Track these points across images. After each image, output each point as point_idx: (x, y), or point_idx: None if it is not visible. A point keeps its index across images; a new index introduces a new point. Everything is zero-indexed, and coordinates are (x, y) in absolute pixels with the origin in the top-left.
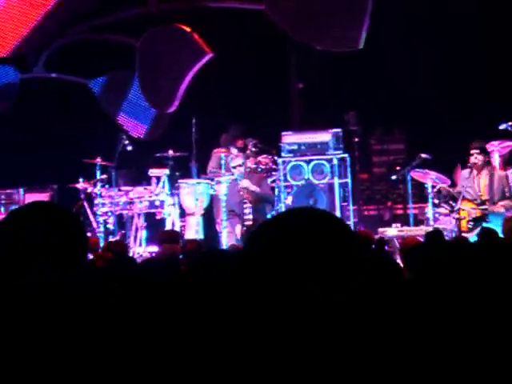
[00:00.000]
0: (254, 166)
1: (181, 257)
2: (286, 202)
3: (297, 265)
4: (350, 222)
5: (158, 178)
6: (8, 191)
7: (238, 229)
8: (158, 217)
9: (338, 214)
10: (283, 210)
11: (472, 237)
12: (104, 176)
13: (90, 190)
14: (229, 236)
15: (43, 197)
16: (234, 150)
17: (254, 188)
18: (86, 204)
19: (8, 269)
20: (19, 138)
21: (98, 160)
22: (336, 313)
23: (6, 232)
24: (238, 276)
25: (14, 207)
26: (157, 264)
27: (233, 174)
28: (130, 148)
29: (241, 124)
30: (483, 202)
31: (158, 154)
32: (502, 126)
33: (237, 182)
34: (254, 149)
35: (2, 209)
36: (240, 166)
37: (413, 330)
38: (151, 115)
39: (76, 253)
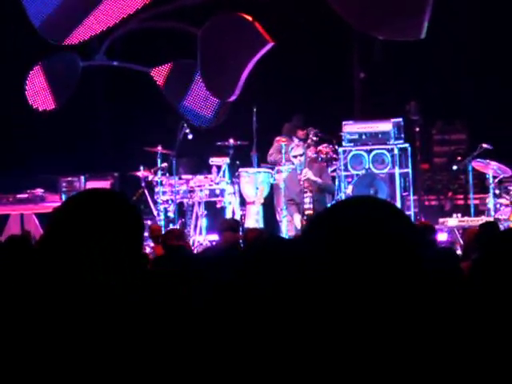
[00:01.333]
0: (314, 155)
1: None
2: (346, 191)
3: (356, 255)
4: (411, 212)
5: (219, 167)
6: (69, 179)
7: (298, 218)
8: (218, 205)
9: (398, 204)
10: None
11: None
12: (165, 164)
13: (150, 178)
14: (288, 225)
15: (104, 184)
16: (295, 140)
17: (315, 178)
18: (146, 192)
19: (64, 256)
20: (81, 126)
21: (159, 148)
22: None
23: (63, 218)
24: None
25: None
26: (218, 254)
27: (293, 164)
28: (190, 136)
29: (303, 114)
30: None
31: (218, 143)
32: None
33: (297, 172)
34: (314, 138)
35: (64, 196)
36: (300, 155)
37: (467, 327)
38: (218, 106)
39: (132, 240)
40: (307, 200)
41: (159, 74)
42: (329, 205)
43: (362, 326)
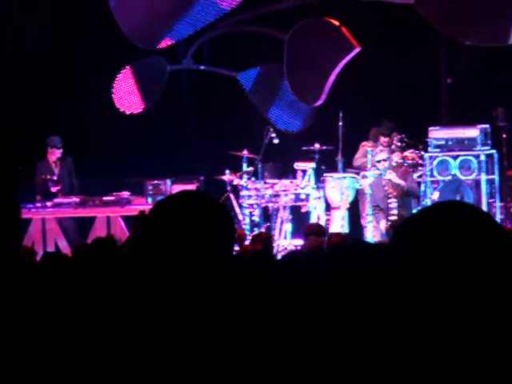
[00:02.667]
0: (400, 160)
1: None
2: (431, 197)
3: (447, 261)
4: (497, 219)
5: (304, 172)
6: (155, 182)
7: (383, 224)
8: (303, 210)
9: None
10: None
11: None
12: (250, 168)
13: (236, 182)
14: (374, 231)
15: (190, 188)
16: (380, 146)
17: (398, 181)
18: (231, 196)
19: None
20: (167, 130)
21: (245, 152)
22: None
23: (155, 221)
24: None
25: (161, 198)
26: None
27: (378, 169)
28: (276, 141)
29: (390, 122)
30: None
31: (304, 148)
32: None
33: (382, 177)
34: (398, 144)
35: (149, 199)
36: (384, 160)
37: None
38: (304, 110)
39: (225, 243)
40: (392, 205)
41: (246, 78)
42: (414, 210)
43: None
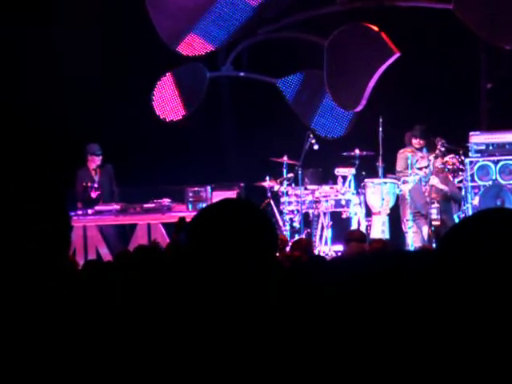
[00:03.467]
0: (441, 165)
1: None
2: (472, 202)
3: (495, 267)
4: None
5: (345, 177)
6: (196, 189)
7: (426, 230)
8: (343, 216)
9: None
10: (470, 210)
11: None
12: (290, 175)
13: (276, 188)
14: (414, 236)
15: (230, 194)
16: (422, 151)
17: (441, 186)
18: (272, 202)
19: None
20: (208, 137)
21: (285, 158)
22: None
23: (198, 229)
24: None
25: (201, 205)
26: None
27: (418, 174)
28: (316, 147)
29: (421, 124)
30: None
31: (344, 153)
32: None
33: (422, 183)
34: (442, 148)
35: (190, 206)
36: (426, 167)
37: None
38: (344, 116)
39: (268, 250)
40: (434, 211)
41: (286, 84)
42: (455, 216)
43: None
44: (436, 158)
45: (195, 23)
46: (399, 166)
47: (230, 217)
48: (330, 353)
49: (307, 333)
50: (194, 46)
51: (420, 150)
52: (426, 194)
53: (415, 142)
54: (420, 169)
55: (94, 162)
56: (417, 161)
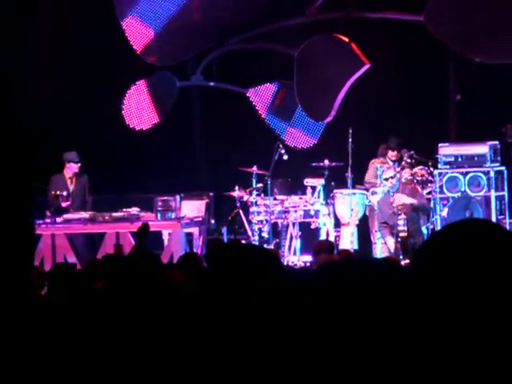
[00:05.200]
0: (409, 177)
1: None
2: (441, 214)
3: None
4: None
5: (314, 188)
6: (165, 198)
7: (390, 240)
8: (312, 226)
9: None
10: (438, 222)
11: None
12: (260, 185)
13: (245, 198)
14: (383, 247)
15: (199, 204)
16: (389, 161)
17: (409, 201)
18: (241, 212)
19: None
20: (177, 146)
21: (254, 168)
22: None
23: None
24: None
25: (170, 214)
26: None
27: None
28: (286, 157)
29: (397, 137)
30: None
31: (313, 164)
32: None
33: (389, 194)
34: (409, 160)
35: (159, 215)
36: (392, 177)
37: None
38: (320, 128)
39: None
40: (401, 222)
41: (256, 94)
42: (423, 227)
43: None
44: (402, 169)
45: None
46: (368, 175)
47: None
48: (299, 359)
49: (280, 339)
50: (134, 29)
51: (394, 162)
52: (394, 204)
53: (392, 154)
54: (386, 179)
55: (72, 169)
56: (383, 171)
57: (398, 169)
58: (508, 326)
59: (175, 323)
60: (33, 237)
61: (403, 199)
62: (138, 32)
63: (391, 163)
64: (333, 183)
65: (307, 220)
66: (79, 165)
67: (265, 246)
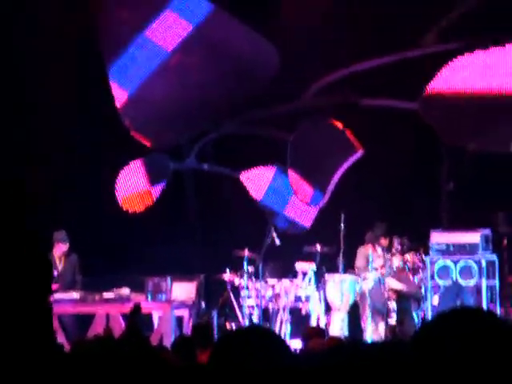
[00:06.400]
0: (400, 263)
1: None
2: (432, 301)
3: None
4: None
5: (305, 272)
6: (155, 279)
7: (382, 327)
8: (302, 311)
9: None
10: (429, 309)
11: None
12: (251, 268)
13: (236, 281)
14: (373, 333)
15: (190, 286)
16: (378, 249)
17: (399, 287)
18: (231, 295)
19: None
20: (169, 228)
21: (246, 252)
22: None
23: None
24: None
25: (161, 295)
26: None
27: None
28: (278, 242)
29: (384, 222)
30: None
31: (305, 248)
32: None
33: (380, 282)
34: (399, 247)
35: (150, 297)
36: (382, 267)
37: None
38: (306, 211)
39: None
40: (391, 309)
41: (250, 178)
42: (414, 314)
43: None
44: (393, 255)
45: (109, 66)
46: (359, 262)
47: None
48: None
49: None
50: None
51: (383, 248)
52: (385, 292)
53: (384, 241)
54: (376, 269)
55: (60, 249)
56: (373, 260)
57: (388, 255)
58: None
59: None
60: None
61: (394, 284)
62: (115, 92)
63: (380, 251)
64: (324, 268)
65: (298, 304)
66: (67, 244)
67: None
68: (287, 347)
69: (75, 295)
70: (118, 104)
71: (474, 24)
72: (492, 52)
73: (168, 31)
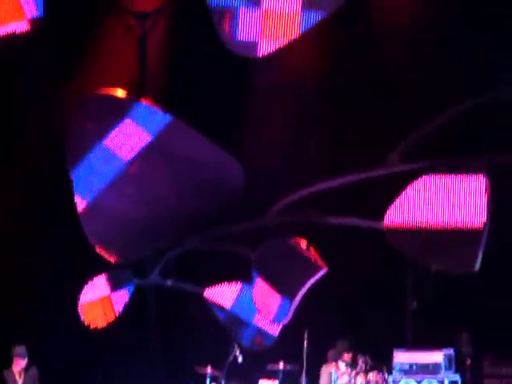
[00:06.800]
0: (364, 382)
1: None
2: None
3: None
4: None
5: None
6: None
7: None
8: None
9: None
10: None
11: None
12: None
13: None
14: None
15: None
16: (341, 366)
17: None
18: None
19: None
20: (131, 343)
21: (209, 369)
22: None
23: None
24: None
25: None
26: None
27: None
28: (240, 359)
29: (346, 339)
30: None
31: (268, 366)
32: None
33: None
34: (363, 365)
35: None
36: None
37: None
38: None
39: None
40: None
41: (213, 294)
42: None
43: None
44: (357, 374)
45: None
46: (323, 381)
47: None
48: None
49: None
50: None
51: (347, 363)
52: None
53: (347, 356)
54: None
55: (19, 364)
56: (337, 377)
57: (353, 373)
58: None
59: None
60: None
61: None
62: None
63: (343, 367)
64: None
65: None
66: (26, 360)
67: None
68: None
69: None
70: (80, 210)
71: (438, 145)
72: (445, 179)
73: (126, 140)
